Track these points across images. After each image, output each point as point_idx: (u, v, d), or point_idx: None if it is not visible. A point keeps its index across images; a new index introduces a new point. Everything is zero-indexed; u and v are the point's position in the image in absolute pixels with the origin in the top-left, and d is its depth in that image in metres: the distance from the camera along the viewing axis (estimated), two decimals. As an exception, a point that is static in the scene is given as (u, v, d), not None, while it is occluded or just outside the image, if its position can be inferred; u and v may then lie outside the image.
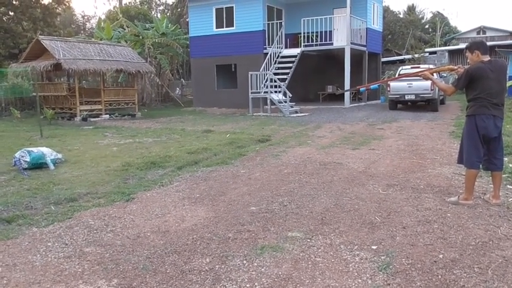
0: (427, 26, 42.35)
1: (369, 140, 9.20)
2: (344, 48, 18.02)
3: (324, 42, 18.57)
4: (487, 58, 4.33)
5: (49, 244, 3.59)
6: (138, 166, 6.71)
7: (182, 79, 28.86)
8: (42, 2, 27.12)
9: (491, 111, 4.28)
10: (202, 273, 3.00)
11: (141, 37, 23.40)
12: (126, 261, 3.22)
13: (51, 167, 6.72)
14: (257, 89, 16.78)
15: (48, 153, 7.04)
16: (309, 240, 3.57)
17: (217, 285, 2.83)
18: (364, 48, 19.66)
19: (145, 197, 5.09)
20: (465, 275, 2.89)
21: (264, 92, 16.52)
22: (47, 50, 15.80)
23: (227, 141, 9.27)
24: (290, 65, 17.83)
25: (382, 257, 3.18)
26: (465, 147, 4.47)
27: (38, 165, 6.73)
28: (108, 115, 17.02)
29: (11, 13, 26.59)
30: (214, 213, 4.39)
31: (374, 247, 3.38)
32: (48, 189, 5.38)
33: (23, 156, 6.74)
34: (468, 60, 4.50)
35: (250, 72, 16.99)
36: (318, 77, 21.50)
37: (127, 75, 19.79)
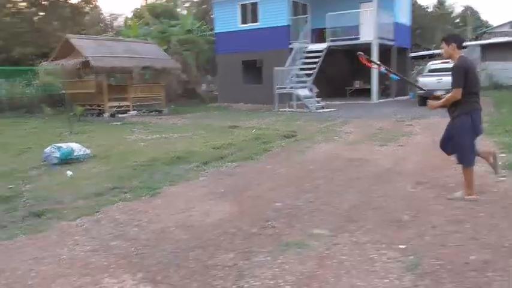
0: (457, 21, 41.12)
1: (397, 136, 9.00)
2: (371, 43, 17.69)
3: (350, 37, 18.28)
4: (461, 53, 4.38)
5: (76, 238, 3.65)
6: (164, 161, 6.76)
7: (208, 75, 29.01)
8: (71, 2, 27.75)
9: (479, 105, 4.40)
10: (225, 268, 2.98)
11: (167, 34, 23.62)
12: (150, 255, 3.24)
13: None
14: (283, 85, 16.69)
15: (77, 148, 7.19)
16: (334, 237, 3.50)
17: (240, 281, 2.80)
18: (392, 43, 19.25)
19: (171, 192, 5.13)
20: (499, 278, 2.76)
21: (290, 88, 16.41)
22: (75, 48, 16.15)
23: (252, 136, 9.25)
24: (316, 60, 17.63)
25: (410, 257, 3.07)
26: (463, 146, 4.41)
27: (67, 160, 6.88)
28: (135, 111, 17.26)
29: (42, 13, 27.36)
30: (238, 208, 4.37)
31: (402, 246, 3.27)
32: (77, 184, 5.49)
33: (53, 152, 6.90)
34: (442, 52, 4.56)
35: (275, 68, 16.90)
36: (344, 72, 21.20)
37: (153, 72, 20.03)
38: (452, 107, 4.43)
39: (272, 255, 3.18)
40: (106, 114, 16.28)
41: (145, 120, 14.50)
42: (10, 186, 5.44)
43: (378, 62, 6.36)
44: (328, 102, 16.90)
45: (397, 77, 5.90)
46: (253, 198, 4.74)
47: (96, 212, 4.35)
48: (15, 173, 6.24)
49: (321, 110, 15.52)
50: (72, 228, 3.90)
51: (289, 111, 15.98)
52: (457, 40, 4.45)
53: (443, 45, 4.46)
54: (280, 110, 16.36)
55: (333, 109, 15.78)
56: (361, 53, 5.08)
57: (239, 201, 4.64)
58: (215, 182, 5.51)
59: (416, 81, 16.14)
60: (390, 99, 19.32)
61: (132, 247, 3.40)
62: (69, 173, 6.15)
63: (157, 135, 10.23)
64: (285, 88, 16.56)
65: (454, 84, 4.31)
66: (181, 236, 3.63)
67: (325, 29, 18.74)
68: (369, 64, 5.60)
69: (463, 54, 4.41)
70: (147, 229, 3.83)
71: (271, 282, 2.78)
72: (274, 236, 3.57)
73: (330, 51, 18.29)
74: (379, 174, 5.70)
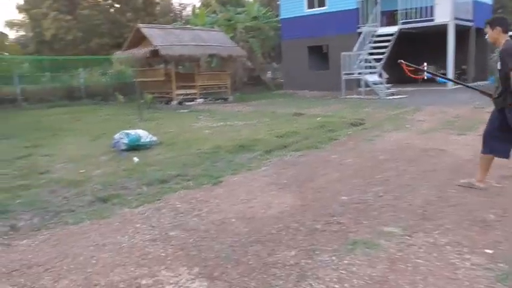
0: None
1: (476, 124, 8.21)
2: (447, 25, 16.39)
3: (423, 18, 17.08)
4: (507, 37, 3.95)
5: (137, 225, 3.63)
6: (228, 149, 6.69)
7: (273, 62, 28.79)
8: (143, -7, 28.84)
9: None
10: (286, 267, 2.78)
11: (233, 21, 23.67)
12: (208, 248, 3.11)
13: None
14: (350, 70, 16.03)
15: (144, 135, 7.34)
16: (408, 237, 3.16)
17: (302, 282, 2.58)
18: (470, 24, 17.72)
19: (233, 181, 5.01)
20: None
21: (358, 73, 15.73)
22: (146, 37, 16.64)
23: (317, 124, 8.93)
24: (386, 44, 16.71)
25: (500, 265, 2.67)
26: None
27: (135, 146, 7.04)
28: (202, 99, 17.50)
29: (117, 5, 28.77)
30: (301, 201, 4.14)
31: (489, 251, 2.86)
32: (142, 170, 5.55)
33: (121, 138, 7.09)
34: (487, 37, 4.11)
35: (343, 53, 16.27)
36: (417, 57, 19.77)
37: (220, 60, 20.18)
38: (502, 95, 3.98)
39: (337, 254, 2.92)
40: (174, 102, 16.68)
41: (211, 108, 14.64)
42: (81, 171, 5.65)
43: (423, 68, 5.79)
44: (399, 89, 15.97)
45: (444, 80, 5.38)
46: (317, 190, 4.48)
47: (158, 199, 4.33)
48: (88, 158, 6.51)
49: (391, 97, 14.73)
50: (134, 215, 3.90)
51: (356, 98, 15.35)
52: (503, 23, 4.08)
53: (488, 29, 4.12)
54: (347, 96, 15.77)
55: (404, 96, 14.91)
56: (401, 60, 4.69)
57: (302, 193, 4.41)
58: (278, 172, 5.32)
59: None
60: (467, 84, 17.85)
61: (190, 238, 3.31)
62: (136, 159, 6.27)
63: (222, 123, 10.24)
64: (352, 74, 15.91)
65: (507, 68, 3.84)
66: (241, 228, 3.48)
67: (396, 11, 17.67)
68: (410, 70, 4.98)
69: (509, 38, 4.04)
70: (206, 219, 3.73)
71: (337, 286, 2.52)
72: (340, 233, 3.30)
73: (401, 34, 17.23)
74: (457, 166, 5.19)
